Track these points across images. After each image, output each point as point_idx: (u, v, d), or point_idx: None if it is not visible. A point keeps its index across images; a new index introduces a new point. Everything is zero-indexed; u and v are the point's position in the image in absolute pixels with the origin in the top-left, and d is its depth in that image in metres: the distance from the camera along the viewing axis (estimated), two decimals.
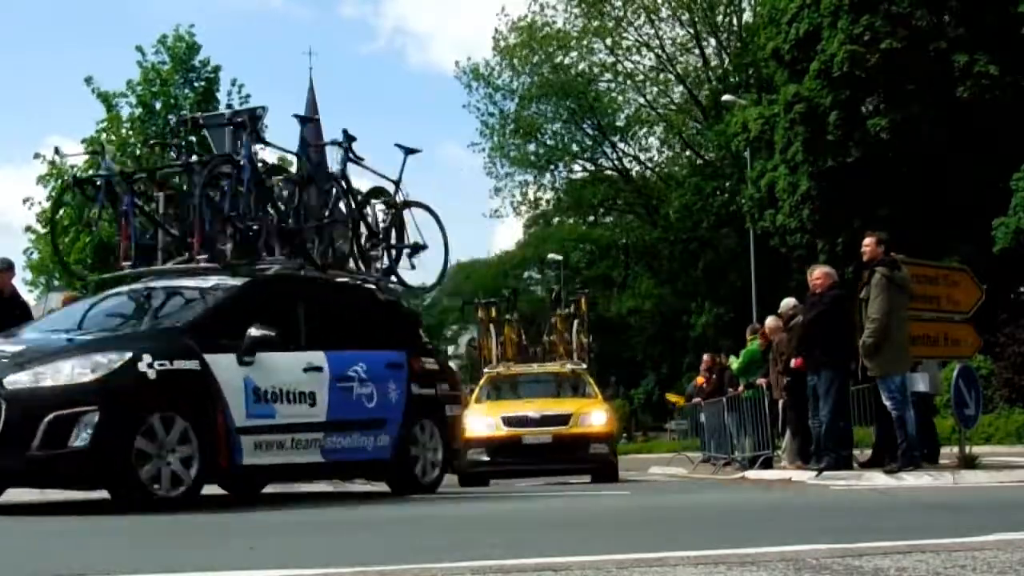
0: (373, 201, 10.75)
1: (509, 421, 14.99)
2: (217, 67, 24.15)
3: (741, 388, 15.57)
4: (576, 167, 49.99)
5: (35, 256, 24.66)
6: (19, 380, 7.28)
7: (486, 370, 17.54)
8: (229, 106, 22.33)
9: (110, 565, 4.19)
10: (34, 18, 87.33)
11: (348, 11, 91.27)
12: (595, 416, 15.23)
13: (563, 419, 14.97)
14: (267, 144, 10.35)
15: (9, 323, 10.95)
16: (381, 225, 10.69)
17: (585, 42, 45.89)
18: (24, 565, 4.36)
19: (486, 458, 14.74)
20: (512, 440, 14.75)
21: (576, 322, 17.78)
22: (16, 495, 9.36)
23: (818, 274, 11.84)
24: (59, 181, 23.13)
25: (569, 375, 17.02)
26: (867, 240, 10.99)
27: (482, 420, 15.12)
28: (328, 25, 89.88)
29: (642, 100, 47.00)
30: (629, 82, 46.68)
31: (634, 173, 49.19)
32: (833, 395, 11.26)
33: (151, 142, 21.23)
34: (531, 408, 15.38)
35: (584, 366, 17.28)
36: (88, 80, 23.64)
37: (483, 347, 18.03)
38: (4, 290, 11.16)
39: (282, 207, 9.76)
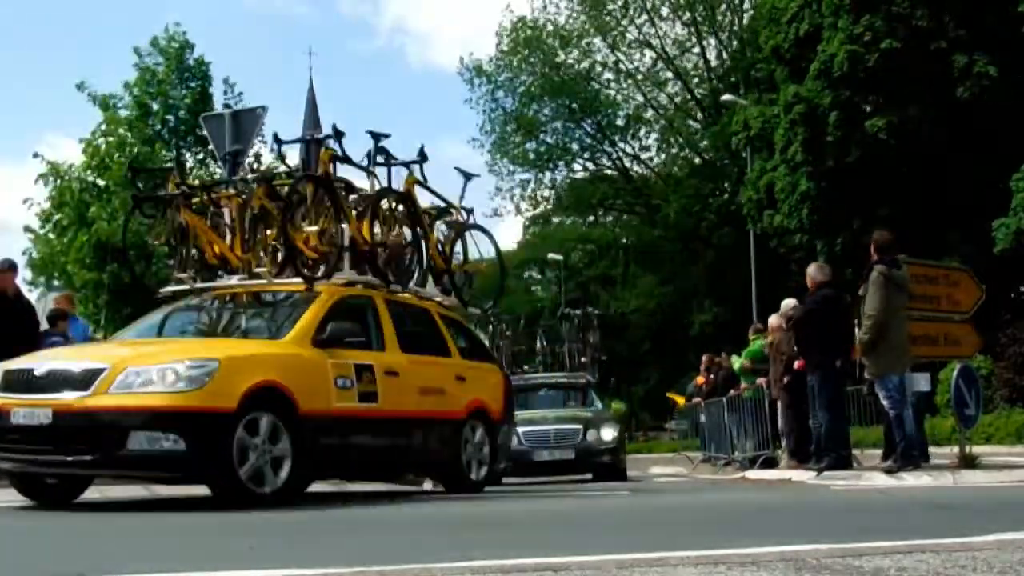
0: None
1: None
2: (207, 63, 24.13)
3: (744, 387, 15.56)
4: (576, 166, 50.07)
5: (34, 255, 24.62)
6: None
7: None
8: (227, 105, 22.29)
9: (110, 565, 4.19)
10: (33, 17, 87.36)
11: (347, 9, 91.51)
12: (141, 376, 7.52)
13: (84, 380, 7.57)
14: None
15: (12, 323, 11.01)
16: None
17: (585, 40, 45.97)
18: (24, 565, 4.36)
19: None
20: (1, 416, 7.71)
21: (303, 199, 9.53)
22: (15, 495, 9.35)
23: (809, 273, 11.91)
24: (58, 181, 23.10)
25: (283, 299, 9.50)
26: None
27: None
28: (327, 23, 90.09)
29: (642, 99, 47.10)
30: (629, 81, 46.75)
31: (634, 172, 49.25)
32: (824, 394, 11.27)
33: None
34: (61, 359, 8.07)
35: (317, 280, 9.31)
36: (80, 85, 23.64)
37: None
38: (7, 290, 11.19)
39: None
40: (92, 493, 10.09)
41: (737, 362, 16.17)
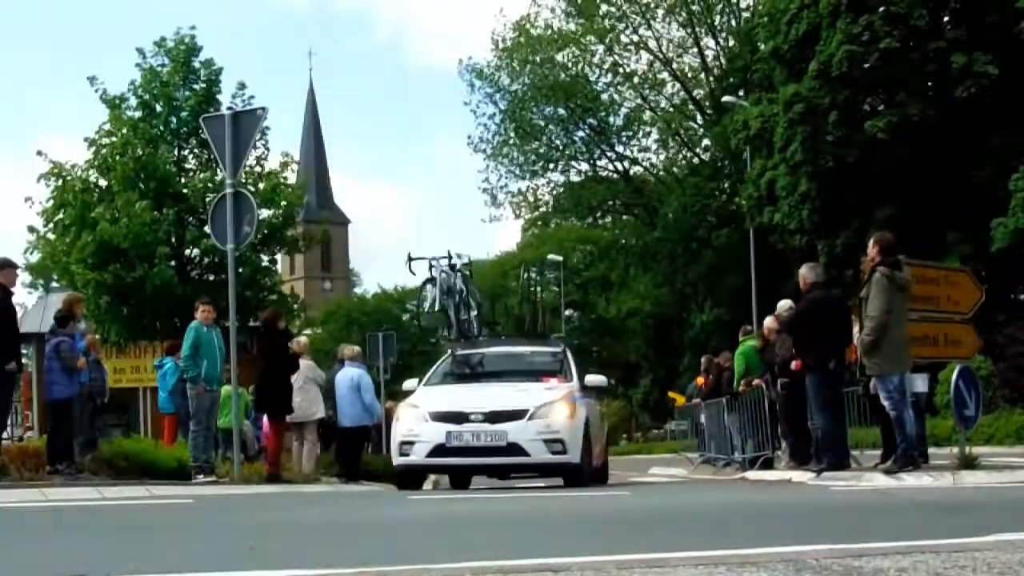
0: None
1: None
2: (219, 68, 24.08)
3: (743, 386, 15.48)
4: (575, 168, 50.05)
5: (32, 258, 24.62)
6: None
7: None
8: (231, 108, 22.28)
9: (110, 565, 4.19)
10: (35, 17, 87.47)
11: (346, 5, 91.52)
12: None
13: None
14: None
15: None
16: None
17: (583, 44, 45.95)
18: (24, 565, 4.36)
19: None
20: None
21: None
22: (15, 495, 9.36)
23: (801, 274, 11.89)
24: (60, 181, 23.09)
25: None
26: (870, 242, 10.98)
27: None
28: (326, 20, 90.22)
29: (640, 101, 47.07)
30: (627, 83, 46.73)
31: (633, 173, 49.24)
32: (820, 395, 11.24)
33: None
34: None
35: None
36: (92, 79, 23.60)
37: None
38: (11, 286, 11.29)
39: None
40: (92, 493, 10.09)
41: (738, 366, 15.99)
